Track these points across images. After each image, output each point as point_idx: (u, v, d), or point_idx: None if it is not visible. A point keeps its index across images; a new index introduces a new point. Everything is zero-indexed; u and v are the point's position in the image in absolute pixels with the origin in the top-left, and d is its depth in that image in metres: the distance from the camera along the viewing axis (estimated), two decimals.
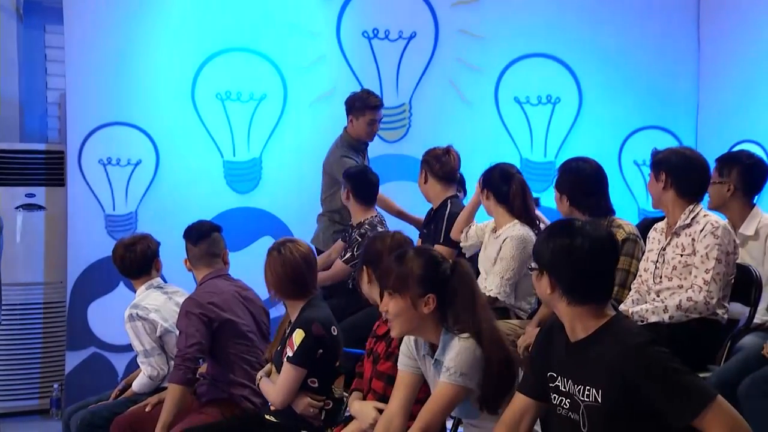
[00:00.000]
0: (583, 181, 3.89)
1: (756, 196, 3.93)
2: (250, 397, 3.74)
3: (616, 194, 4.25)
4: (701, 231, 3.40)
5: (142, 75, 5.50)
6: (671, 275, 3.47)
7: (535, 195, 4.36)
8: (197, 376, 3.77)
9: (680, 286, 3.43)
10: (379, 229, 4.63)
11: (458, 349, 2.62)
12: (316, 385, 3.39)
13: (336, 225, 5.05)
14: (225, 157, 5.65)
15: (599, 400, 2.25)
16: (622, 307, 3.52)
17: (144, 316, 4.01)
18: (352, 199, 4.69)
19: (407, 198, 5.23)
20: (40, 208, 5.53)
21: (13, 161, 5.47)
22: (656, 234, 3.63)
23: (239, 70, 5.64)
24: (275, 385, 3.41)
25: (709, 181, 3.63)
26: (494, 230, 4.12)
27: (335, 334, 3.43)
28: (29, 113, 5.88)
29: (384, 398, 3.01)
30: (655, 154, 3.60)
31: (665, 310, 3.37)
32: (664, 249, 3.52)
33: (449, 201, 4.62)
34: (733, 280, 3.45)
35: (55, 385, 5.49)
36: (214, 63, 5.60)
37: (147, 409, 3.85)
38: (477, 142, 5.72)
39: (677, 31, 6.07)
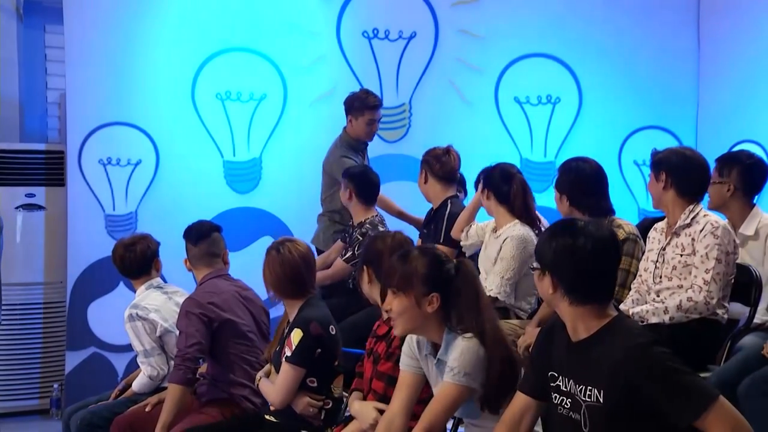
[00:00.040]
0: (583, 181, 3.89)
1: (756, 196, 3.93)
2: (250, 397, 3.74)
3: (616, 194, 4.25)
4: (701, 231, 3.40)
5: (142, 75, 5.50)
6: (671, 275, 3.47)
7: None
8: (197, 376, 3.77)
9: (680, 286, 3.43)
10: (380, 229, 4.64)
11: (462, 349, 2.62)
12: (315, 384, 3.39)
13: (336, 225, 5.05)
14: (225, 157, 5.65)
15: (601, 400, 2.25)
16: (622, 307, 3.52)
17: (144, 316, 4.01)
18: (354, 199, 4.69)
19: (407, 198, 5.23)
20: (40, 208, 5.53)
21: (13, 161, 5.47)
22: (656, 234, 3.63)
23: (239, 70, 5.64)
24: (274, 385, 3.41)
25: (709, 181, 3.63)
26: (495, 230, 4.12)
27: (334, 333, 3.43)
28: (29, 113, 5.88)
29: (384, 398, 3.01)
30: (655, 154, 3.60)
31: (665, 311, 3.37)
32: (664, 249, 3.52)
33: (449, 201, 4.63)
34: (733, 280, 3.45)
35: (55, 385, 5.49)
36: (214, 63, 5.60)
37: (147, 409, 3.85)
38: (477, 142, 5.72)
39: (677, 31, 6.07)
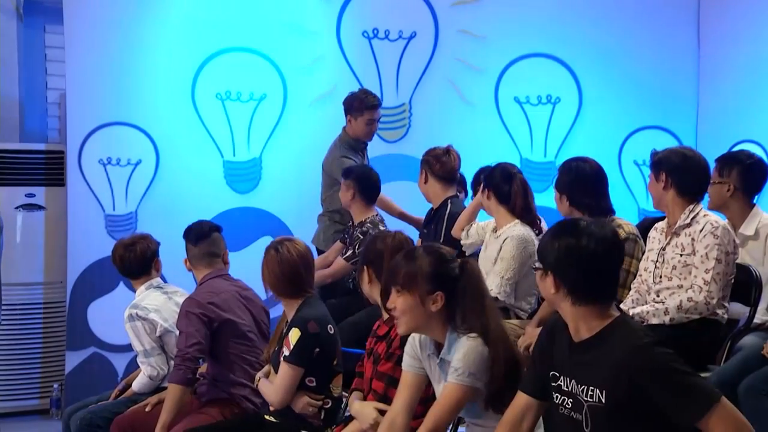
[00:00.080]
0: (583, 181, 3.89)
1: (756, 196, 3.93)
2: (250, 397, 3.74)
3: (616, 194, 4.25)
4: (701, 231, 3.40)
5: (142, 75, 5.50)
6: (671, 275, 3.47)
7: None
8: (197, 376, 3.77)
9: (680, 286, 3.43)
10: (381, 228, 4.64)
11: (466, 350, 2.62)
12: (314, 384, 3.39)
13: (336, 225, 5.05)
14: (225, 157, 5.65)
15: (603, 400, 2.25)
16: (622, 307, 3.52)
17: (144, 316, 4.01)
18: (356, 199, 4.69)
19: (407, 198, 5.23)
20: (40, 208, 5.53)
21: (13, 161, 5.47)
22: (656, 234, 3.63)
23: (239, 70, 5.64)
24: (273, 385, 3.42)
25: (709, 181, 3.63)
26: (495, 230, 4.12)
27: (332, 332, 3.43)
28: (29, 113, 5.88)
29: (384, 399, 3.01)
30: (655, 154, 3.61)
31: (666, 312, 3.37)
32: (664, 249, 3.52)
33: (449, 201, 4.63)
34: (733, 280, 3.45)
35: (55, 385, 5.49)
36: (214, 63, 5.60)
37: (147, 409, 3.85)
38: (477, 142, 5.72)
39: (677, 31, 6.07)
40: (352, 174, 4.71)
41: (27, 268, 5.48)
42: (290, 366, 3.33)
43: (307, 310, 3.41)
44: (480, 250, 4.25)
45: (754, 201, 3.92)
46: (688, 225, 3.46)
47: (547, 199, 4.91)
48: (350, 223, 4.81)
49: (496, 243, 4.03)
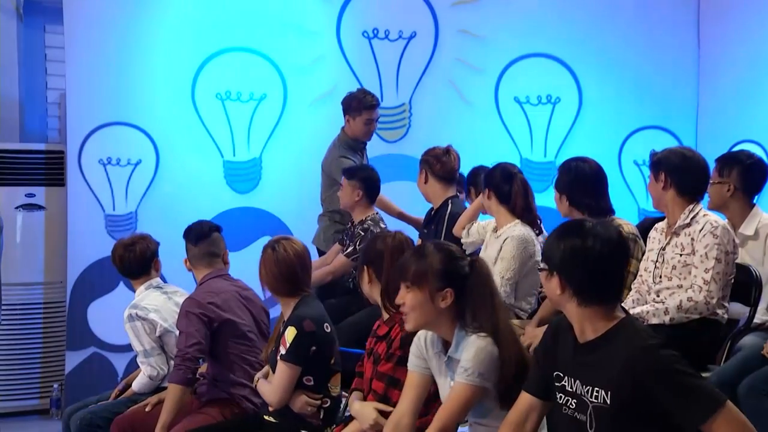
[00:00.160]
0: (583, 181, 3.89)
1: (756, 196, 3.93)
2: (250, 397, 3.74)
3: (616, 194, 4.25)
4: (701, 230, 3.40)
5: (142, 75, 5.50)
6: (671, 275, 3.47)
7: None
8: (197, 376, 3.77)
9: (680, 286, 3.43)
10: (381, 225, 4.66)
11: (476, 349, 2.62)
12: (312, 383, 3.40)
13: (336, 225, 5.05)
14: (225, 157, 5.65)
15: (608, 401, 2.25)
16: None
17: (143, 316, 4.01)
18: (362, 199, 4.69)
19: (407, 198, 5.23)
20: (40, 208, 5.53)
21: (13, 161, 5.47)
22: (656, 234, 3.63)
23: (239, 70, 5.64)
24: (271, 385, 3.42)
25: (709, 181, 3.63)
26: (495, 230, 4.12)
27: (328, 331, 3.43)
28: (29, 113, 5.88)
29: (384, 399, 3.01)
30: (654, 154, 3.61)
31: (666, 312, 3.37)
32: (664, 249, 3.52)
33: (450, 201, 4.63)
34: (732, 280, 3.45)
35: (55, 385, 5.49)
36: (214, 63, 5.60)
37: (147, 409, 3.85)
38: (477, 142, 5.72)
39: (677, 31, 6.07)
40: (358, 175, 4.70)
41: (27, 268, 5.48)
42: (287, 365, 3.33)
43: (303, 308, 3.41)
44: (480, 249, 4.25)
45: (754, 201, 3.92)
46: (688, 225, 3.46)
47: (547, 199, 4.91)
48: (350, 223, 4.81)
49: (496, 243, 4.03)
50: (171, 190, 5.55)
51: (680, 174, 3.48)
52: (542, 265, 2.43)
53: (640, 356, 2.21)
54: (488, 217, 4.33)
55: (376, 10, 5.77)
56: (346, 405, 3.40)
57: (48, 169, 5.54)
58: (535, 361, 2.57)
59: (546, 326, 3.64)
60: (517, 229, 3.98)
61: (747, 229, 3.83)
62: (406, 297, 2.72)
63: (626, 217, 4.26)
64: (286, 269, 3.43)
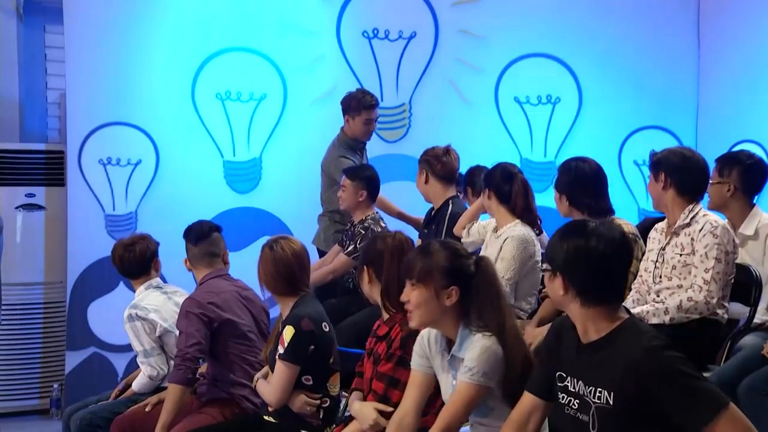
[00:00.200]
0: (583, 181, 3.88)
1: (756, 196, 3.93)
2: (250, 397, 3.74)
3: (616, 194, 4.25)
4: (700, 230, 3.41)
5: (142, 75, 5.50)
6: (671, 275, 3.47)
7: None
8: (197, 376, 3.77)
9: (680, 286, 3.43)
10: (381, 224, 4.67)
11: (481, 348, 2.62)
12: (311, 382, 3.40)
13: (336, 225, 5.05)
14: (225, 157, 5.65)
15: (611, 402, 2.25)
16: None
17: (143, 316, 4.01)
18: (365, 200, 4.69)
19: (407, 198, 5.23)
20: (40, 208, 5.53)
21: (13, 161, 5.47)
22: (656, 234, 3.63)
23: (239, 70, 5.64)
24: (270, 385, 3.42)
25: (708, 180, 3.63)
26: (495, 230, 4.12)
27: (327, 330, 3.43)
28: (29, 113, 5.88)
29: (384, 399, 3.01)
30: (654, 155, 3.61)
31: (666, 311, 3.37)
32: (664, 249, 3.52)
33: (450, 201, 4.63)
34: (732, 280, 3.45)
35: (55, 385, 5.49)
36: (214, 63, 5.60)
37: (147, 409, 3.86)
38: (477, 142, 5.72)
39: (677, 31, 6.07)
40: (360, 175, 4.69)
41: (27, 268, 5.48)
42: (285, 364, 3.34)
43: (301, 308, 3.41)
44: (480, 249, 4.24)
45: (754, 201, 3.92)
46: (688, 225, 3.46)
47: (547, 199, 4.91)
48: (350, 223, 4.81)
49: (496, 243, 4.03)
50: (171, 190, 5.55)
51: (680, 174, 3.48)
52: (545, 266, 2.43)
53: (643, 357, 2.21)
54: (488, 217, 4.33)
55: (376, 10, 5.77)
56: (346, 405, 3.40)
57: (48, 169, 5.54)
58: (538, 361, 2.57)
59: (546, 326, 3.67)
60: (517, 229, 3.98)
61: (747, 229, 3.83)
62: (411, 294, 2.73)
63: (626, 217, 4.26)
64: (284, 268, 3.43)
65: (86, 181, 5.47)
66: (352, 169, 4.77)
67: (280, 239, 3.52)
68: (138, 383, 4.02)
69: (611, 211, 3.93)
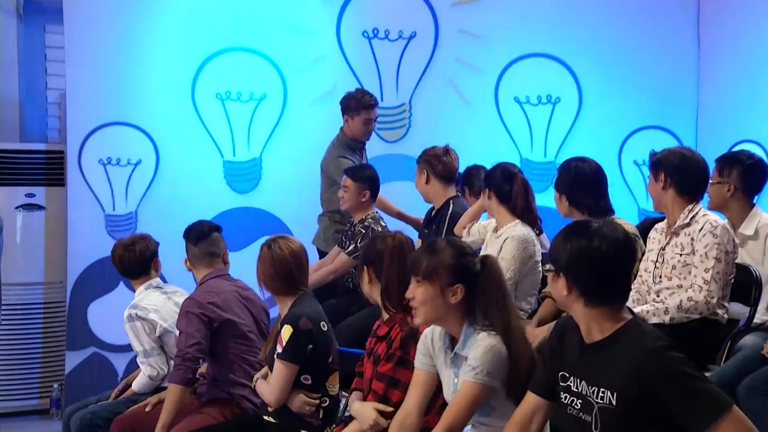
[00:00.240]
0: (582, 180, 3.88)
1: (756, 196, 3.93)
2: (250, 397, 3.74)
3: (616, 194, 4.25)
4: (700, 230, 3.41)
5: (142, 75, 5.50)
6: (671, 275, 3.47)
7: None
8: (197, 376, 3.77)
9: (680, 286, 3.43)
10: (381, 223, 4.67)
11: (485, 347, 2.63)
12: (310, 382, 3.40)
13: (336, 225, 5.05)
14: (225, 157, 5.65)
15: (614, 402, 2.25)
16: None
17: (143, 316, 4.01)
18: (368, 200, 4.69)
19: (407, 198, 5.23)
20: (40, 208, 5.53)
21: (13, 161, 5.47)
22: (656, 234, 3.63)
23: (239, 70, 5.64)
24: (268, 384, 3.42)
25: (708, 180, 3.63)
26: (495, 230, 4.12)
27: (325, 329, 3.43)
28: (29, 113, 5.88)
29: (384, 399, 3.01)
30: (653, 155, 3.61)
31: (666, 311, 3.37)
32: (664, 249, 3.52)
33: (451, 201, 4.63)
34: (732, 280, 3.45)
35: (55, 385, 5.49)
36: (214, 63, 5.60)
37: (147, 409, 3.86)
38: (477, 142, 5.72)
39: (677, 31, 6.07)
40: (362, 175, 4.69)
41: (27, 268, 5.48)
42: (283, 363, 3.34)
43: (299, 307, 3.42)
44: (480, 249, 4.24)
45: (754, 201, 3.92)
46: (688, 225, 3.46)
47: (547, 199, 4.91)
48: (350, 223, 4.81)
49: (496, 243, 4.03)
50: (171, 190, 5.55)
51: (680, 174, 3.49)
52: (548, 266, 2.44)
53: (647, 358, 2.21)
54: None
55: (376, 10, 5.77)
56: (346, 405, 3.40)
57: (48, 169, 5.54)
58: (541, 361, 2.57)
59: (546, 326, 3.68)
60: (517, 229, 3.98)
61: (747, 229, 3.83)
62: (417, 291, 2.74)
63: (626, 217, 4.26)
64: (282, 268, 3.44)
65: (86, 181, 5.47)
66: (353, 170, 4.77)
67: (279, 239, 3.52)
68: (138, 383, 4.02)
69: (611, 211, 3.93)
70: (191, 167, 5.59)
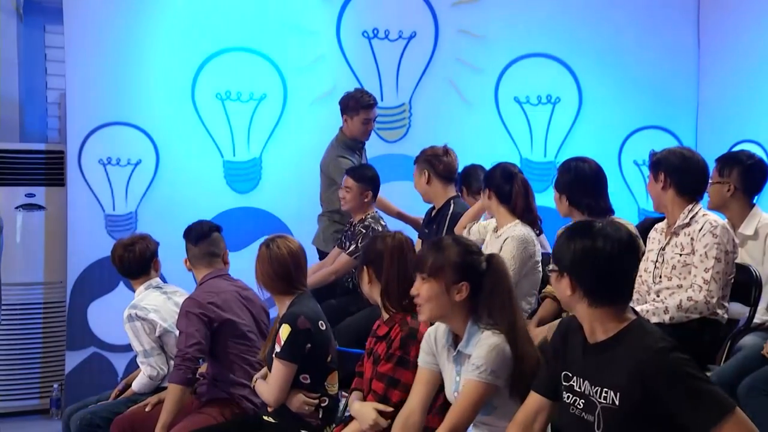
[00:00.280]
0: (582, 180, 3.88)
1: (756, 196, 3.93)
2: (250, 397, 3.74)
3: (616, 194, 4.25)
4: (700, 230, 3.41)
5: (142, 75, 5.50)
6: (671, 275, 3.47)
7: None
8: (197, 376, 3.77)
9: (680, 286, 3.43)
10: (381, 223, 4.67)
11: (489, 347, 2.63)
12: (309, 381, 3.40)
13: (336, 225, 5.05)
14: (225, 157, 5.65)
15: (617, 402, 2.25)
16: None
17: (143, 316, 4.01)
18: (370, 200, 4.69)
19: (407, 198, 5.23)
20: (40, 208, 5.53)
21: (13, 161, 5.47)
22: (656, 234, 3.63)
23: (239, 70, 5.64)
24: (267, 384, 3.42)
25: (708, 180, 3.64)
26: (495, 230, 4.12)
27: (323, 328, 3.43)
28: (29, 113, 5.88)
29: (384, 399, 3.01)
30: (653, 155, 3.61)
31: (666, 310, 3.37)
32: (664, 249, 3.52)
33: (452, 201, 4.63)
34: (732, 280, 3.45)
35: (55, 385, 5.49)
36: (214, 63, 5.60)
37: (147, 409, 3.86)
38: (477, 142, 5.72)
39: (677, 31, 6.07)
40: (364, 176, 4.68)
41: (27, 268, 5.48)
42: (282, 362, 3.34)
43: (297, 306, 3.42)
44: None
45: (754, 201, 3.92)
46: (687, 225, 3.47)
47: (546, 199, 4.91)
48: (349, 223, 4.81)
49: (496, 243, 4.03)
50: (171, 190, 5.55)
51: (680, 174, 3.49)
52: (552, 266, 2.44)
53: (650, 359, 2.21)
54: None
55: (376, 10, 5.77)
56: (346, 405, 3.40)
57: (48, 169, 5.54)
58: (544, 361, 2.57)
59: (545, 326, 3.68)
60: (517, 229, 3.98)
61: (747, 229, 3.83)
62: (422, 288, 2.75)
63: (626, 217, 4.26)
64: (280, 267, 3.44)
65: (86, 181, 5.47)
66: (355, 170, 4.76)
67: (277, 238, 3.53)
68: (138, 383, 4.02)
69: (611, 211, 3.93)
70: (191, 167, 5.59)
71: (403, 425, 2.79)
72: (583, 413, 2.35)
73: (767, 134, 5.42)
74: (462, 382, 2.70)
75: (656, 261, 3.54)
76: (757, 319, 3.66)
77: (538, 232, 4.07)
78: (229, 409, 3.75)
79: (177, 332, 3.82)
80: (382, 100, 5.55)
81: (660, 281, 3.50)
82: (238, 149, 5.66)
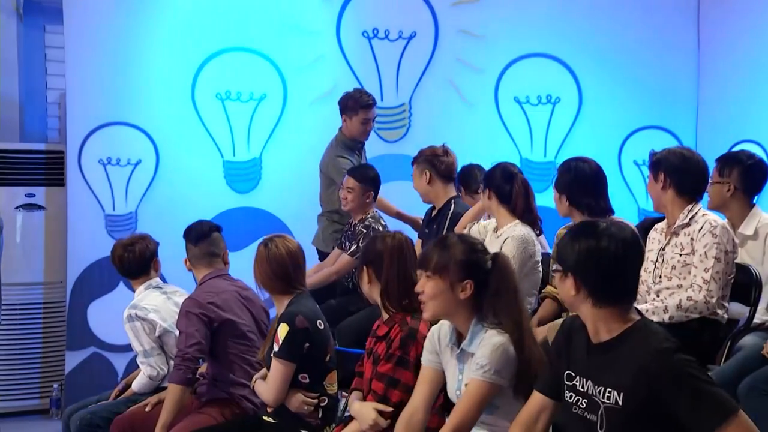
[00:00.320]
0: (582, 180, 3.88)
1: (756, 196, 3.93)
2: (249, 397, 3.74)
3: (616, 194, 4.25)
4: (700, 230, 3.41)
5: (142, 75, 5.50)
6: (671, 275, 3.47)
7: None
8: (197, 376, 3.77)
9: (680, 286, 3.43)
10: (381, 222, 4.67)
11: (493, 346, 2.63)
12: (308, 381, 3.40)
13: (335, 225, 5.05)
14: (225, 157, 5.65)
15: (620, 402, 2.25)
16: None
17: (143, 316, 4.01)
18: (372, 200, 4.69)
19: (407, 198, 5.22)
20: (40, 208, 5.53)
21: (13, 161, 5.47)
22: (656, 234, 3.63)
23: (239, 70, 5.64)
24: (266, 384, 3.42)
25: (707, 180, 3.64)
26: (495, 230, 4.12)
27: (322, 328, 3.43)
28: (29, 113, 5.88)
29: (384, 399, 3.01)
30: (653, 155, 3.61)
31: (665, 310, 3.37)
32: (664, 249, 3.52)
33: (453, 201, 4.62)
34: (732, 280, 3.45)
35: (55, 385, 5.49)
36: (214, 63, 5.60)
37: (147, 409, 3.86)
38: (477, 142, 5.72)
39: (677, 31, 6.07)
40: (367, 177, 4.68)
41: (27, 268, 5.48)
42: (280, 361, 3.34)
43: (296, 305, 3.43)
44: None
45: (754, 201, 3.92)
46: (687, 224, 3.47)
47: (546, 199, 4.91)
48: (349, 223, 4.81)
49: (496, 243, 4.03)
50: (171, 190, 5.55)
51: (680, 174, 3.49)
52: (556, 266, 2.44)
53: (654, 359, 2.21)
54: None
55: (376, 10, 5.77)
56: (346, 405, 3.40)
57: (48, 169, 5.54)
58: (548, 360, 2.57)
59: (546, 326, 3.68)
60: (517, 229, 3.98)
61: (747, 229, 3.83)
62: (426, 285, 2.75)
63: (626, 217, 4.26)
64: (278, 267, 3.44)
65: (86, 181, 5.47)
66: (357, 171, 4.75)
67: (276, 237, 3.53)
68: (138, 383, 4.02)
69: (611, 211, 3.92)
70: (191, 167, 5.59)
71: (407, 424, 2.79)
72: (586, 413, 2.35)
73: (767, 134, 5.42)
74: (466, 381, 2.70)
75: (656, 261, 3.54)
76: (757, 319, 3.66)
77: (538, 232, 4.07)
78: (229, 409, 3.74)
79: (177, 332, 3.82)
80: (382, 100, 5.55)
81: (660, 281, 3.50)
82: (238, 149, 5.66)
